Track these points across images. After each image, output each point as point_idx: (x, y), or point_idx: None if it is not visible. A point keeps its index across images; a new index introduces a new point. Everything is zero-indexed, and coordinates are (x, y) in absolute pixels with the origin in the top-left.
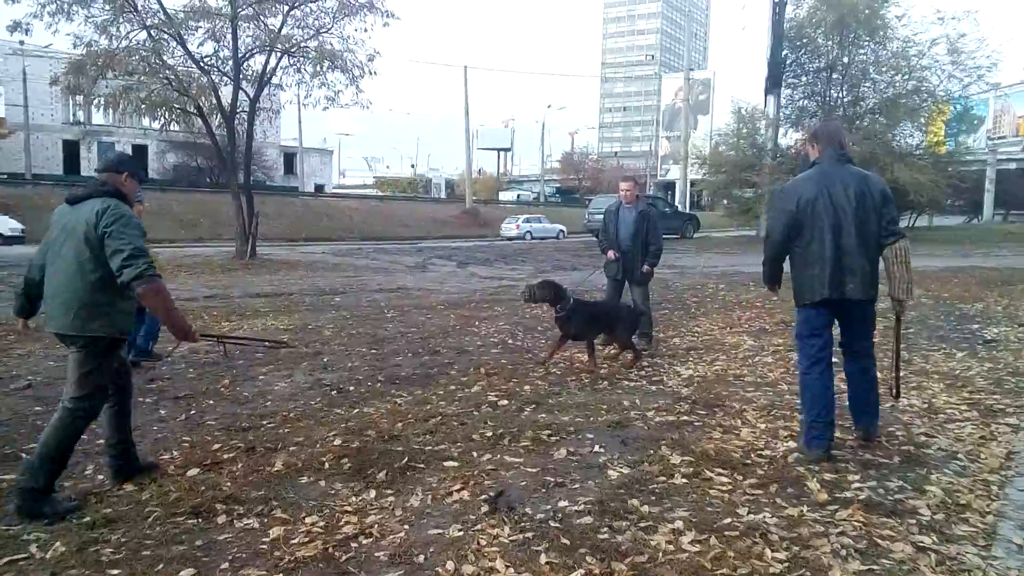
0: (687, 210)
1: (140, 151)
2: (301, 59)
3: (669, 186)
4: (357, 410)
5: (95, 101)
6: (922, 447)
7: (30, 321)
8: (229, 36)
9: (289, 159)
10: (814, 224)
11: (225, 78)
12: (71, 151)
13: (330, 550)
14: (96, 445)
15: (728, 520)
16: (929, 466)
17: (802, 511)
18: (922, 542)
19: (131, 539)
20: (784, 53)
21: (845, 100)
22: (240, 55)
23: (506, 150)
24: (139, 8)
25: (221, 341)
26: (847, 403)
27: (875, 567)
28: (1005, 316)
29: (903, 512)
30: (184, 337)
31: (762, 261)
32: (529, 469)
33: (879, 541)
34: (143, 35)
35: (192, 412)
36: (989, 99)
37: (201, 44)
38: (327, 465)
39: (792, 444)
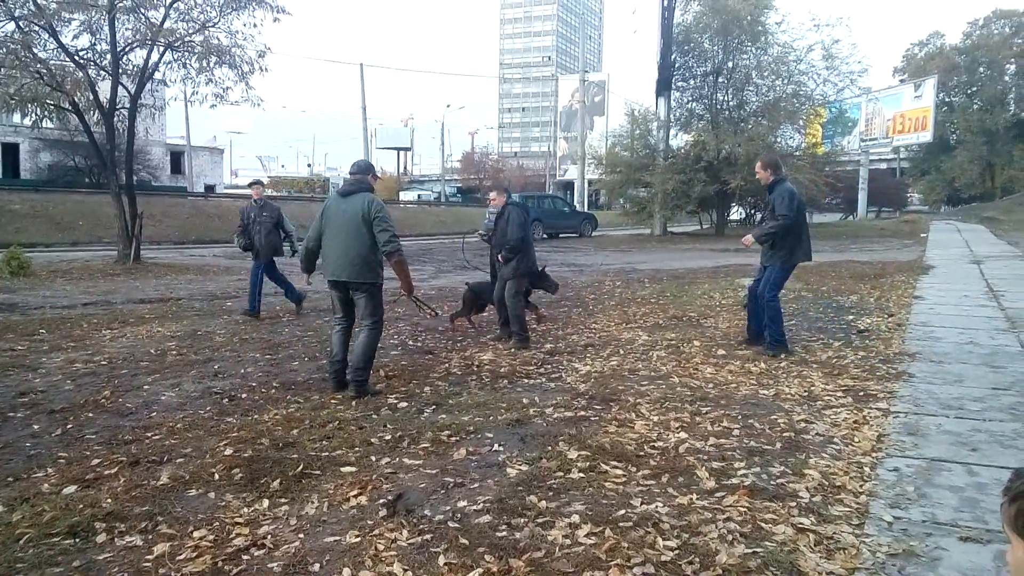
0: (585, 209)
1: (11, 149)
2: (186, 54)
3: (568, 186)
4: (250, 418)
5: None
6: (802, 433)
7: (311, 277)
8: (107, 29)
9: (176, 158)
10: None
11: (103, 73)
12: None
13: (220, 564)
14: None
15: (622, 512)
16: (808, 451)
17: (692, 499)
18: (802, 523)
19: (0, 564)
20: (673, 57)
21: (731, 103)
22: (119, 49)
23: (406, 149)
24: None
25: (419, 303)
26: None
27: (759, 549)
28: (877, 307)
29: (784, 495)
30: (409, 292)
31: (773, 231)
32: (428, 471)
33: (763, 524)
34: (11, 26)
35: (69, 426)
36: (861, 103)
37: (76, 37)
38: (217, 476)
39: (683, 435)
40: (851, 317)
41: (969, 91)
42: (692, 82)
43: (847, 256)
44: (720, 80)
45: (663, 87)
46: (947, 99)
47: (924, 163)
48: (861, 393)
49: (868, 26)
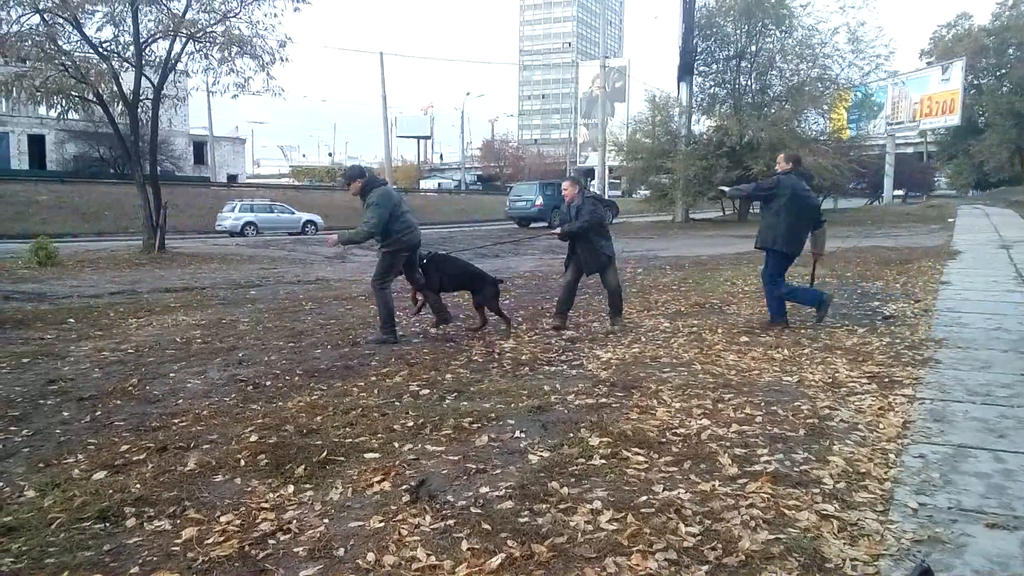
0: (606, 196)
1: (37, 141)
2: (208, 44)
3: (588, 173)
4: (274, 405)
5: None
6: (826, 419)
7: None
8: (129, 20)
9: (199, 148)
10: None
11: (126, 64)
12: None
13: (246, 548)
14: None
15: (644, 498)
16: (832, 437)
17: (714, 485)
18: (825, 510)
19: (33, 547)
20: (695, 41)
21: (753, 88)
22: (142, 40)
23: (426, 138)
24: None
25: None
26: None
27: (782, 536)
28: (903, 293)
29: (808, 482)
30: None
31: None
32: (451, 457)
33: (786, 511)
34: (36, 19)
35: (98, 413)
36: (887, 86)
37: (100, 29)
38: (243, 462)
39: (706, 422)
40: (876, 303)
41: (998, 73)
42: (714, 67)
43: (873, 241)
44: (743, 64)
45: (685, 72)
46: (975, 81)
47: (952, 147)
48: (886, 379)
49: (894, 8)
